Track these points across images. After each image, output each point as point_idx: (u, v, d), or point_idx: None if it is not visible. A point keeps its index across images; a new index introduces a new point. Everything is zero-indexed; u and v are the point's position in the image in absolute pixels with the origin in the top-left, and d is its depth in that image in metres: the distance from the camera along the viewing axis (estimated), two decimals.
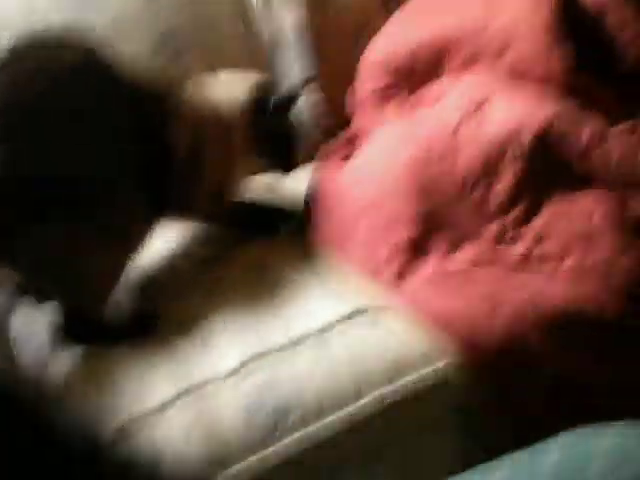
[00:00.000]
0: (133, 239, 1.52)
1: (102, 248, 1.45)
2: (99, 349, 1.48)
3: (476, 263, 1.56)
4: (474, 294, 1.50)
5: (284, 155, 1.71)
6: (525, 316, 1.47)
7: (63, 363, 1.46)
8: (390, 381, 1.41)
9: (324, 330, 1.45)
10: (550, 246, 1.57)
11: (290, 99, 1.72)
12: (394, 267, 1.56)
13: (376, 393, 1.40)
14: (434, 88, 1.87)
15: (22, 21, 1.80)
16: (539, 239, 1.59)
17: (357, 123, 1.97)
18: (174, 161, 1.55)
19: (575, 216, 1.59)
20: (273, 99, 1.67)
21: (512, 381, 1.45)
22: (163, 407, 1.37)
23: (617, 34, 1.86)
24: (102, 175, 1.45)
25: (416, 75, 1.90)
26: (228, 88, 1.66)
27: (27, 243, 1.40)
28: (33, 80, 1.45)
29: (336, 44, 2.01)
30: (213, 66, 1.79)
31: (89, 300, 1.48)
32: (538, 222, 1.60)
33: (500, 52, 1.83)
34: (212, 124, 1.61)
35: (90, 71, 1.49)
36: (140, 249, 1.53)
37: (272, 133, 1.68)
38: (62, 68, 1.47)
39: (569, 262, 1.55)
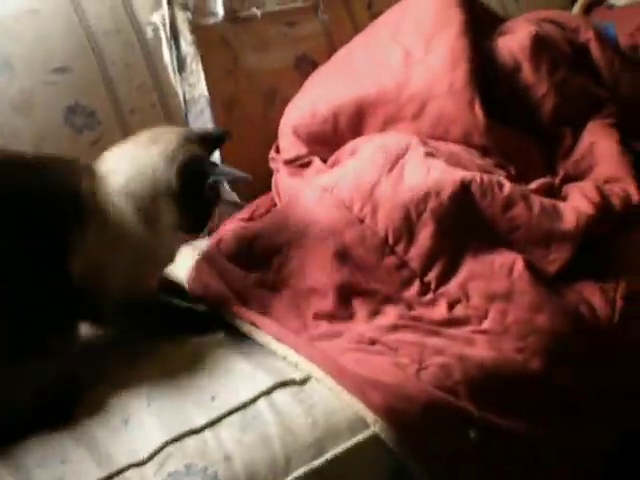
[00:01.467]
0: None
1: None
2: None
3: (396, 327, 1.54)
4: (397, 358, 1.48)
5: (199, 223, 1.58)
6: (448, 378, 1.45)
7: None
8: (319, 453, 1.37)
9: (248, 405, 1.41)
10: (469, 307, 1.57)
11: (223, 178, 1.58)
12: (315, 335, 1.54)
13: (306, 467, 1.36)
14: (350, 144, 1.87)
15: None
16: (458, 300, 1.58)
17: (275, 185, 1.96)
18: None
19: (493, 275, 1.59)
20: (211, 179, 1.50)
21: (441, 444, 1.42)
22: None
23: (531, 90, 1.89)
24: None
25: (336, 137, 1.90)
26: (139, 165, 1.51)
27: None
28: None
29: (247, 110, 2.00)
30: (126, 133, 1.79)
31: None
32: (456, 283, 1.60)
33: (419, 111, 1.84)
34: (117, 232, 1.48)
35: None
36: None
37: (198, 206, 1.54)
38: None
39: (487, 323, 1.55)
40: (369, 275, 1.61)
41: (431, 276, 1.61)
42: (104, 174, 1.49)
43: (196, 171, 1.49)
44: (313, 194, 1.72)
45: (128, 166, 1.50)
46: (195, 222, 1.55)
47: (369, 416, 1.40)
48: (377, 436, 1.40)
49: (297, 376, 1.46)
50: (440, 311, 1.57)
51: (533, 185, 1.74)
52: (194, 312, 1.63)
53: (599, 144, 1.85)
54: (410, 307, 1.58)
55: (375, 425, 1.40)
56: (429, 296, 1.60)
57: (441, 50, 1.88)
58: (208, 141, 1.56)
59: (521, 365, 1.49)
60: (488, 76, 1.87)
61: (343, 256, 1.62)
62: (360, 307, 1.58)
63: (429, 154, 1.73)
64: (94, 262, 1.46)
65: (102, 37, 1.90)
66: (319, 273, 1.61)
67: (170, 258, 1.58)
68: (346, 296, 1.59)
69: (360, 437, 1.39)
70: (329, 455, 1.37)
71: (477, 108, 1.81)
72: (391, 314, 1.56)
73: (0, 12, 1.87)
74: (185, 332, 1.59)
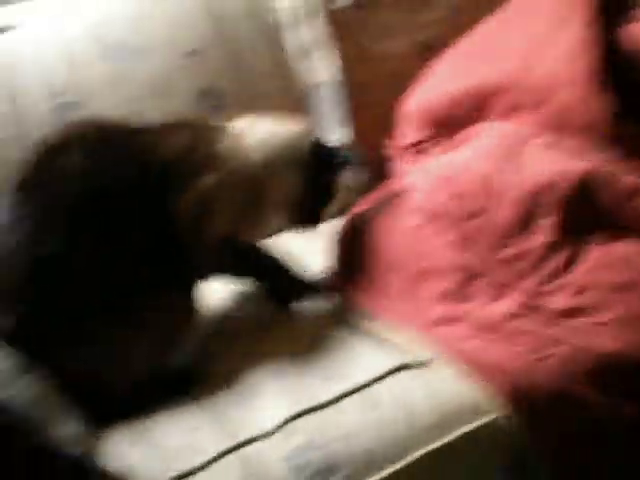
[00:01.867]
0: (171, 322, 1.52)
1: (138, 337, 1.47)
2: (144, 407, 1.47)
3: (515, 315, 1.54)
4: (517, 346, 1.48)
5: (315, 212, 1.69)
6: (568, 368, 1.44)
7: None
8: (439, 436, 1.38)
9: (370, 386, 1.43)
10: (590, 298, 1.55)
11: (349, 158, 1.71)
12: (434, 319, 1.55)
13: (426, 448, 1.37)
14: (469, 130, 1.86)
15: (65, 72, 1.84)
16: (579, 291, 1.57)
17: (394, 174, 1.97)
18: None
19: (614, 266, 1.57)
20: (339, 156, 1.67)
21: (560, 431, 1.42)
22: (208, 465, 1.35)
23: None
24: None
25: (455, 124, 1.90)
26: (270, 139, 1.63)
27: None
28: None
29: (373, 94, 2.01)
30: None
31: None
32: (577, 274, 1.58)
33: (541, 101, 1.82)
34: (239, 177, 1.58)
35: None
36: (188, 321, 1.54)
37: (319, 190, 1.67)
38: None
39: (610, 314, 1.53)
40: (489, 263, 1.61)
41: (551, 267, 1.59)
42: (239, 132, 1.61)
43: (328, 152, 1.63)
44: (431, 182, 1.73)
45: (266, 129, 1.63)
46: (310, 212, 1.65)
47: (492, 401, 1.41)
48: (498, 421, 1.40)
49: (420, 359, 1.48)
50: (561, 301, 1.56)
51: None
52: (291, 276, 1.67)
53: None
54: (530, 297, 1.57)
55: (497, 411, 1.41)
56: (549, 286, 1.58)
57: (568, 38, 1.84)
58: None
59: None
60: (616, 65, 1.84)
61: (463, 243, 1.63)
62: (480, 291, 1.58)
63: (550, 144, 1.72)
64: (206, 197, 1.54)
65: (233, 21, 1.95)
66: (436, 256, 1.62)
67: (271, 228, 1.67)
68: (467, 278, 1.59)
69: (481, 421, 1.40)
70: (449, 438, 1.39)
71: (603, 99, 1.77)
72: (511, 301, 1.56)
73: None
74: (275, 292, 1.65)
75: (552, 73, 1.82)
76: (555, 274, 1.59)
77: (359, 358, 1.50)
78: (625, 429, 1.45)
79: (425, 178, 1.76)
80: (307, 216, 1.68)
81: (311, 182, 1.64)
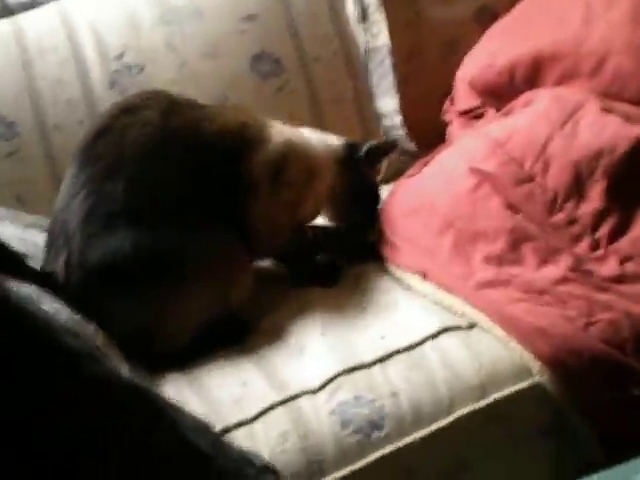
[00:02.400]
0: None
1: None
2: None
3: (565, 280, 1.54)
4: (565, 311, 1.49)
5: (364, 213, 1.74)
6: (617, 334, 1.45)
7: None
8: (483, 396, 1.41)
9: (415, 346, 1.46)
10: (637, 266, 1.55)
11: (384, 149, 1.78)
12: (483, 282, 1.56)
13: (469, 408, 1.40)
14: (524, 96, 1.86)
15: (126, 36, 1.88)
16: (628, 258, 1.57)
17: (449, 137, 1.98)
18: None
19: None
20: (368, 145, 1.72)
21: (603, 397, 1.44)
22: (258, 417, 1.39)
23: None
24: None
25: (511, 90, 1.90)
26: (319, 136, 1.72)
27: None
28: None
29: (428, 59, 2.02)
30: (309, 80, 1.87)
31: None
32: (628, 240, 1.58)
33: (596, 69, 1.81)
34: (295, 164, 1.64)
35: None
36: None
37: (359, 186, 1.73)
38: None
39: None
40: (539, 228, 1.62)
41: (602, 232, 1.60)
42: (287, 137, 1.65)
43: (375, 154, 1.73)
44: (484, 147, 1.74)
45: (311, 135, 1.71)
46: (358, 212, 1.73)
47: (535, 365, 1.43)
48: (541, 385, 1.42)
49: (464, 322, 1.50)
50: (610, 267, 1.56)
51: None
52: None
53: None
54: (580, 261, 1.57)
55: (540, 374, 1.42)
56: (600, 252, 1.59)
57: (622, 6, 1.84)
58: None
59: None
60: None
61: (513, 208, 1.63)
62: (530, 254, 1.58)
63: (605, 110, 1.71)
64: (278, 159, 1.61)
65: None
66: (489, 218, 1.63)
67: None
68: (516, 241, 1.59)
69: (524, 384, 1.42)
70: (492, 399, 1.41)
71: None
72: (561, 266, 1.56)
73: None
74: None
75: (607, 41, 1.82)
76: (605, 240, 1.60)
77: (407, 319, 1.52)
78: None
79: (479, 142, 1.76)
80: (357, 215, 1.74)
81: (352, 181, 1.72)
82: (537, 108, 1.77)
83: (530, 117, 1.76)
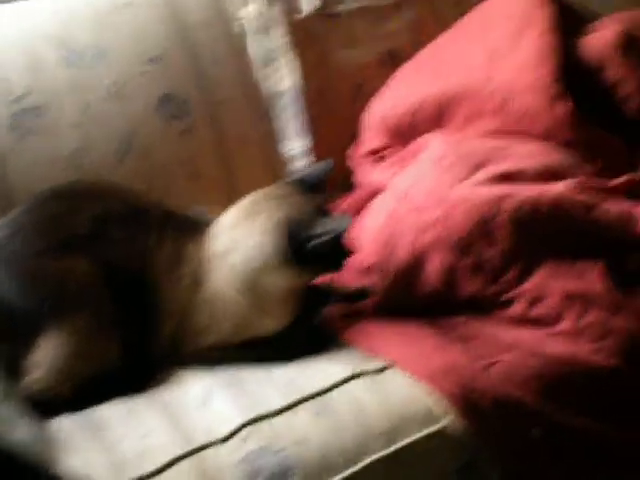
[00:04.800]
0: None
1: None
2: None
3: (471, 320, 1.56)
4: (469, 350, 1.50)
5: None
6: (519, 373, 1.46)
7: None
8: (390, 443, 1.40)
9: (323, 393, 1.44)
10: (545, 307, 1.57)
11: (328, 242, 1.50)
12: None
13: (376, 455, 1.39)
14: (422, 138, 1.88)
15: (28, 77, 1.84)
16: (534, 300, 1.59)
17: (355, 182, 1.99)
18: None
19: (570, 276, 1.59)
20: (311, 245, 1.49)
21: (510, 440, 1.44)
22: (163, 470, 1.34)
23: (616, 88, 1.89)
24: None
25: (415, 133, 1.92)
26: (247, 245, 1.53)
27: None
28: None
29: (334, 103, 2.03)
30: (216, 123, 1.84)
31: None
32: (533, 283, 1.60)
33: (501, 108, 1.85)
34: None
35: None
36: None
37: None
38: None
39: (564, 324, 1.55)
40: None
41: (508, 277, 1.61)
42: (216, 254, 1.54)
43: (299, 239, 1.49)
44: (392, 198, 1.75)
45: (236, 246, 1.53)
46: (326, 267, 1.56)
47: (440, 407, 1.43)
48: (448, 429, 1.42)
49: (375, 365, 1.49)
50: (516, 310, 1.58)
51: (616, 182, 1.74)
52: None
53: None
54: (486, 304, 1.59)
55: (446, 416, 1.42)
56: (505, 295, 1.60)
57: (528, 47, 1.89)
58: (316, 184, 1.59)
59: (595, 366, 1.49)
60: (572, 74, 1.87)
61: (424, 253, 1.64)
62: None
63: (505, 177, 1.71)
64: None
65: (194, 29, 1.96)
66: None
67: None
68: None
69: (431, 429, 1.42)
70: (401, 444, 1.40)
71: (564, 103, 1.81)
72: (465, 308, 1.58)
73: (96, 3, 1.94)
74: None
75: (512, 81, 1.86)
76: (511, 284, 1.61)
77: (314, 367, 1.51)
78: (576, 440, 1.47)
79: (387, 195, 1.79)
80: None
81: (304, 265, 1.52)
82: (433, 155, 1.78)
83: (429, 165, 1.77)
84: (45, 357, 1.47)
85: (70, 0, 1.94)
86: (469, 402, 1.43)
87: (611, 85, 1.90)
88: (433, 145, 1.83)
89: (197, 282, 1.53)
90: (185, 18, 1.96)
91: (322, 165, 1.63)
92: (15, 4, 1.93)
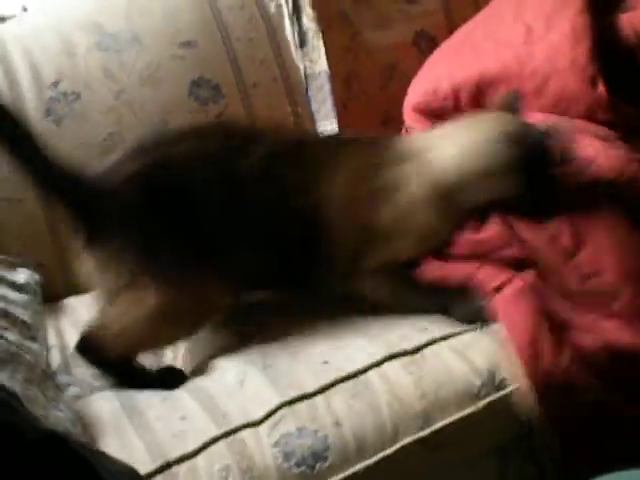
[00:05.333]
0: None
1: None
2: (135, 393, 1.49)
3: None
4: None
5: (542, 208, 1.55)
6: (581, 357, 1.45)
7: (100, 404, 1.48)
8: (427, 424, 1.39)
9: (359, 374, 1.44)
10: (600, 282, 1.53)
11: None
12: None
13: (413, 436, 1.38)
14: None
15: (62, 63, 1.85)
16: (588, 275, 1.54)
17: None
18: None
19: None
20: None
21: (563, 412, 1.43)
22: (199, 451, 1.35)
23: None
24: None
25: (458, 114, 1.90)
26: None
27: None
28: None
29: (366, 85, 2.02)
30: (249, 106, 1.84)
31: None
32: (583, 257, 1.55)
33: (541, 87, 1.83)
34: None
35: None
36: None
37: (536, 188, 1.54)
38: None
39: (622, 301, 1.51)
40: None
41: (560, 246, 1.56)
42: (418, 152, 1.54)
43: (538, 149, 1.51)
44: None
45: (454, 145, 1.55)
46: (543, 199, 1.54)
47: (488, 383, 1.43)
48: (490, 407, 1.41)
49: (409, 345, 1.48)
50: (572, 282, 1.53)
51: None
52: None
53: None
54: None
55: (486, 397, 1.42)
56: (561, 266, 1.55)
57: (563, 26, 1.86)
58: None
59: None
60: (609, 53, 1.85)
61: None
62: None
63: None
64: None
65: (227, 12, 1.96)
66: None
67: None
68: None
69: (467, 411, 1.41)
70: (436, 427, 1.40)
71: (600, 84, 1.79)
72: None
73: None
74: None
75: (550, 60, 1.84)
76: (565, 255, 1.56)
77: (350, 346, 1.50)
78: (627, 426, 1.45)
79: None
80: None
81: (523, 182, 1.52)
82: None
83: None
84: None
85: None
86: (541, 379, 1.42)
87: None
88: None
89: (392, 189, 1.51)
90: (218, 1, 1.97)
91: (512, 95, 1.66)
92: None
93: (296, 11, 2.01)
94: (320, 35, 1.98)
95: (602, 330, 1.47)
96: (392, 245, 1.53)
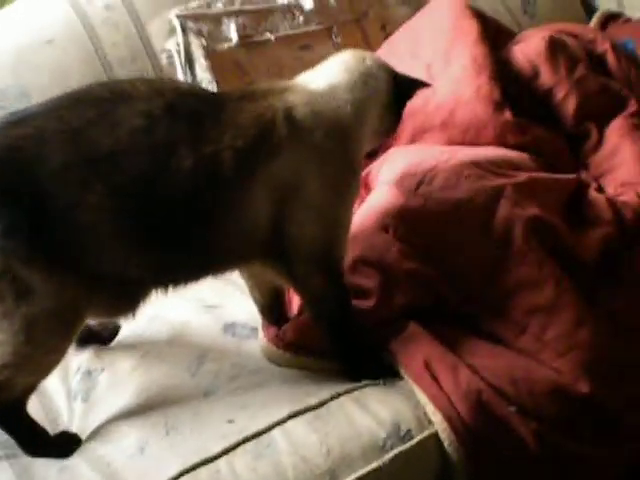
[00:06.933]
0: None
1: None
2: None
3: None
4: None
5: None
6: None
7: None
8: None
9: (263, 433, 1.41)
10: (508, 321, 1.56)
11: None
12: None
13: None
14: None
15: None
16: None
17: None
18: None
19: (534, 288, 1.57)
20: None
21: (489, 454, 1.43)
22: None
23: (552, 93, 1.94)
24: None
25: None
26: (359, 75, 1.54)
27: None
28: None
29: None
30: None
31: None
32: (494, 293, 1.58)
33: (448, 119, 1.87)
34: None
35: None
36: None
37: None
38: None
39: (527, 337, 1.53)
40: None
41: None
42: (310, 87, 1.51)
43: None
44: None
45: (345, 76, 1.53)
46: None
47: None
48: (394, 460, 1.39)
49: (314, 400, 1.45)
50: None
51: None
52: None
53: (623, 146, 1.87)
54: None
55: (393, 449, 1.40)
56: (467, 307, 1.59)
57: (462, 59, 1.91)
58: None
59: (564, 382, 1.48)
60: (507, 84, 1.90)
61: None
62: None
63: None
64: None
65: (117, 66, 1.93)
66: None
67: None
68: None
69: (374, 465, 1.38)
70: None
71: (506, 109, 1.84)
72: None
73: (17, 43, 1.91)
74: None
75: (453, 92, 1.88)
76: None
77: (255, 405, 1.47)
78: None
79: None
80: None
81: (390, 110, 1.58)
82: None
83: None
84: None
85: None
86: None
87: (546, 91, 1.94)
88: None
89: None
90: (108, 55, 1.94)
91: None
92: None
93: (189, 61, 1.98)
94: (215, 84, 1.96)
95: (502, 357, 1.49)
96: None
